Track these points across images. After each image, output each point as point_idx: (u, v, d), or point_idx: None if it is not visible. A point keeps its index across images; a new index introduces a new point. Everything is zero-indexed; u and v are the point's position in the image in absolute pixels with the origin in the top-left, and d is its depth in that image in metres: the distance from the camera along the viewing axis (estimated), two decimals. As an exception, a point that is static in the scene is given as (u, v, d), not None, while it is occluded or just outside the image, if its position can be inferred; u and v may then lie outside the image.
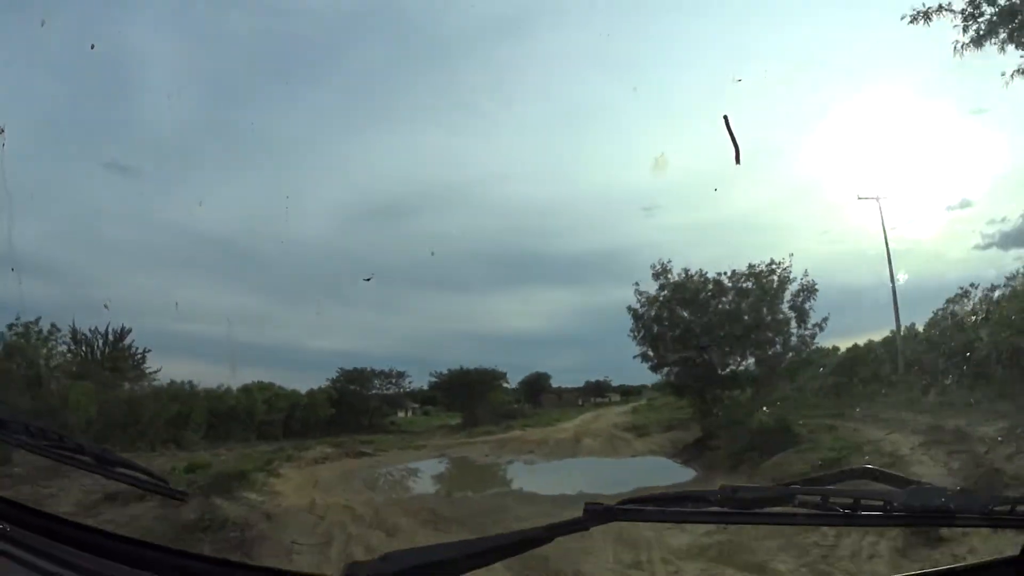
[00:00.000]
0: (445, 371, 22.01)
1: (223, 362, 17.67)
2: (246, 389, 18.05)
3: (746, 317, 15.45)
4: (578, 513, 1.33)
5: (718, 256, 20.83)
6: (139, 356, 17.08)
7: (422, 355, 21.20)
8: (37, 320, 14.17)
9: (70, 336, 15.71)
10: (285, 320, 20.49)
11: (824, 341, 20.48)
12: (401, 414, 23.81)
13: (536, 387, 24.29)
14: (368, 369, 21.56)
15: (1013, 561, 1.41)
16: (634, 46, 19.04)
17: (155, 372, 16.82)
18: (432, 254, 16.39)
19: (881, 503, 1.36)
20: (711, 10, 18.49)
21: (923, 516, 1.38)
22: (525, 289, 22.59)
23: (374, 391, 22.02)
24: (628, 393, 25.38)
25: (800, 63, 18.74)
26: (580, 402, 25.01)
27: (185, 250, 17.28)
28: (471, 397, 21.84)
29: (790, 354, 15.66)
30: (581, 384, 25.36)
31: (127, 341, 16.80)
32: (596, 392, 25.81)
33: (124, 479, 1.89)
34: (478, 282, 22.62)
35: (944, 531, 3.86)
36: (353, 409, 20.90)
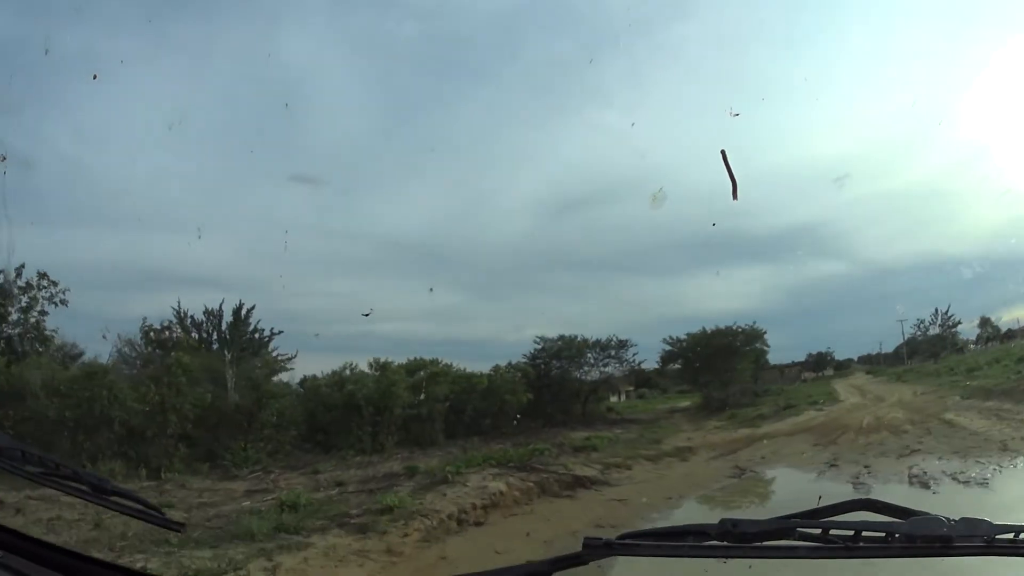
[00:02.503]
0: (683, 336, 19.79)
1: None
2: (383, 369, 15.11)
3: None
4: None
5: (903, 230, 20.51)
6: (266, 337, 16.29)
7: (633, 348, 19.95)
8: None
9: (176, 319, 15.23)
10: (481, 314, 20.27)
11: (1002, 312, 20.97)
12: (614, 398, 21.65)
13: (757, 364, 22.52)
14: (578, 338, 18.31)
15: (1016, 589, 1.40)
16: (802, 15, 18.67)
17: (289, 358, 15.91)
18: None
19: (883, 535, 1.35)
20: None
21: (925, 546, 1.37)
22: (722, 270, 23.49)
23: (586, 369, 18.75)
24: (839, 367, 25.31)
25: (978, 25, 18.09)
26: (802, 377, 24.18)
27: (376, 254, 17.06)
28: (713, 370, 19.58)
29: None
30: (799, 359, 24.53)
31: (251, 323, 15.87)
32: (817, 366, 25.09)
33: (120, 508, 1.88)
34: (673, 265, 22.48)
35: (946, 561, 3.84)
36: (559, 393, 17.93)
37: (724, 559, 1.33)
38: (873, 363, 25.53)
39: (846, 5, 18.89)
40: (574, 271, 19.95)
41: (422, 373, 15.58)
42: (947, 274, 21.89)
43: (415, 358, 15.97)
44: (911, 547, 1.37)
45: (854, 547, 1.34)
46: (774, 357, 22.32)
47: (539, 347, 18.61)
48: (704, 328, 19.75)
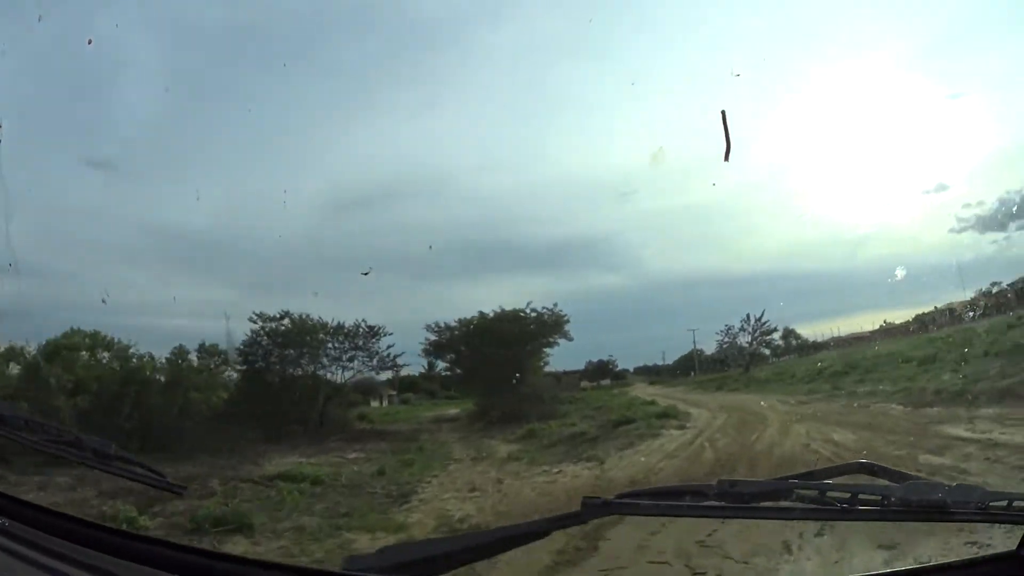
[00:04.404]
0: (453, 322, 15.83)
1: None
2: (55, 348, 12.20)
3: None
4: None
5: (691, 245, 20.94)
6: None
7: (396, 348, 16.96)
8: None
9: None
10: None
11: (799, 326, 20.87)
12: (375, 403, 19.26)
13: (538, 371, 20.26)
14: (312, 318, 14.19)
15: (1009, 556, 1.41)
16: (611, 32, 19.27)
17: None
18: (431, 248, 16.15)
19: (878, 498, 1.37)
20: None
21: (920, 510, 1.38)
22: (500, 277, 21.01)
23: (325, 362, 14.73)
24: (616, 377, 24.29)
25: (776, 45, 18.87)
26: (581, 386, 22.76)
27: (166, 246, 16.73)
28: (495, 368, 15.53)
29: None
30: (574, 368, 22.30)
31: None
32: (596, 376, 24.02)
33: (123, 473, 1.89)
34: (455, 271, 21.98)
35: (940, 526, 3.88)
36: (284, 394, 13.71)
37: (722, 519, 1.34)
38: (652, 374, 24.94)
39: (652, 24, 19.28)
40: (351, 273, 19.59)
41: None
42: (736, 289, 21.95)
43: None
44: (906, 511, 1.38)
45: (850, 510, 1.35)
46: (549, 365, 20.22)
47: (256, 328, 14.07)
48: (483, 313, 15.74)
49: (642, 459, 9.84)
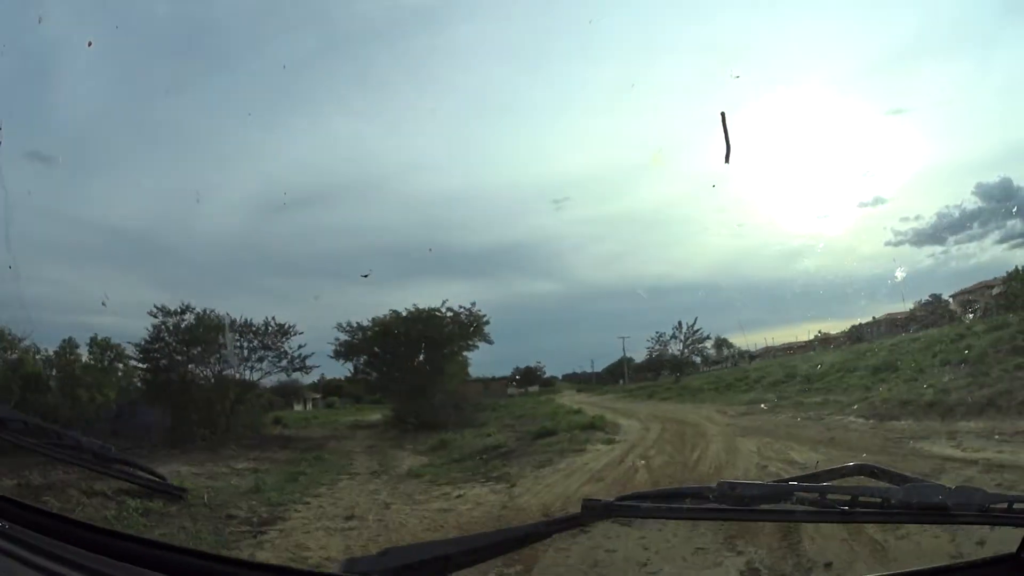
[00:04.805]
0: (367, 321, 14.75)
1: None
2: None
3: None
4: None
5: (625, 252, 20.96)
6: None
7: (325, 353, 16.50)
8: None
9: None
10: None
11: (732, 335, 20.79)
12: (299, 407, 18.58)
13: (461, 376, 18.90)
14: (219, 315, 13.30)
15: (1009, 558, 1.42)
16: (545, 38, 19.31)
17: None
18: (430, 250, 15.98)
19: (879, 500, 1.37)
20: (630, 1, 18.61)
21: (920, 512, 1.38)
22: (432, 282, 20.48)
23: (231, 364, 13.68)
24: (545, 384, 23.90)
25: (718, 57, 18.95)
26: (508, 393, 22.10)
27: (96, 243, 16.21)
28: (409, 371, 14.64)
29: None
30: (501, 375, 21.75)
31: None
32: (524, 382, 23.40)
33: (123, 476, 1.89)
34: (384, 274, 21.71)
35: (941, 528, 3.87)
36: (186, 395, 12.67)
37: (722, 521, 1.34)
38: (580, 381, 24.73)
39: (589, 35, 19.35)
40: (285, 275, 19.29)
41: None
42: (669, 298, 21.84)
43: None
44: (907, 513, 1.38)
45: (851, 512, 1.35)
46: (476, 370, 19.31)
47: (157, 322, 13.16)
48: (396, 311, 14.77)
49: (560, 482, 8.19)
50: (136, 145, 17.61)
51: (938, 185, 19.91)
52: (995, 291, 16.61)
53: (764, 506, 1.34)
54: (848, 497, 1.35)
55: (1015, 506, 1.42)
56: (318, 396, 19.61)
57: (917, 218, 19.94)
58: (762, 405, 13.79)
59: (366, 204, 20.21)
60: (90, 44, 11.79)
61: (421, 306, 14.82)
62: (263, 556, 5.92)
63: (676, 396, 18.71)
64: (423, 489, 8.35)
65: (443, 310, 14.84)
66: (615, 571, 4.41)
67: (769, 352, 21.84)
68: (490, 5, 20.01)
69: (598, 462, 9.21)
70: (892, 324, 17.98)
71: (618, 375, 23.74)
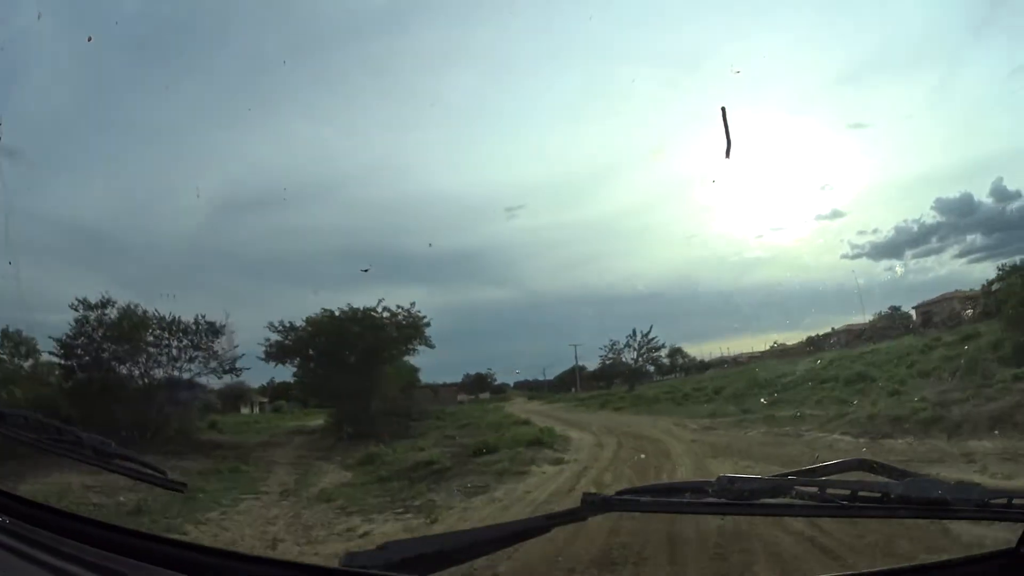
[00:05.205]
0: (301, 321, 13.80)
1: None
2: None
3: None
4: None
5: (577, 261, 20.91)
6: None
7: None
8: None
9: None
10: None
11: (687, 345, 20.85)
12: (246, 410, 17.91)
13: (407, 382, 17.99)
14: (137, 308, 12.32)
15: (1008, 553, 1.42)
16: (508, 46, 19.18)
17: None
18: (430, 245, 15.90)
19: (879, 494, 1.37)
20: (593, 7, 18.53)
21: (920, 507, 1.38)
22: (384, 287, 20.06)
23: (161, 360, 12.61)
24: (496, 391, 23.72)
25: (679, 68, 19.02)
26: (458, 399, 21.74)
27: (53, 239, 15.85)
28: (347, 375, 13.43)
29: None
30: (453, 381, 21.75)
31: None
32: (475, 389, 23.05)
33: (123, 471, 1.89)
34: (336, 279, 21.29)
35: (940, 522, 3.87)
36: (106, 396, 11.55)
37: (721, 515, 1.34)
38: (532, 389, 24.52)
39: (548, 39, 19.17)
40: (241, 276, 19.05)
41: None
42: (622, 306, 21.63)
43: None
44: (906, 508, 1.38)
45: (850, 506, 1.35)
46: (427, 376, 18.80)
47: (79, 316, 12.31)
48: (328, 310, 13.72)
49: (494, 518, 6.69)
50: (95, 141, 17.39)
51: (897, 199, 20.13)
52: (966, 306, 16.52)
53: (764, 500, 1.34)
54: (848, 491, 1.35)
55: (1014, 501, 1.42)
56: (265, 400, 18.94)
57: (875, 232, 20.07)
58: (724, 418, 12.93)
59: (324, 207, 20.16)
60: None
61: (349, 303, 13.90)
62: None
63: (631, 406, 17.92)
64: (328, 520, 7.31)
65: (379, 310, 13.93)
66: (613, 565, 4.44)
67: (725, 362, 21.69)
68: (454, 11, 20.05)
69: (543, 490, 7.97)
70: (851, 335, 18.01)
71: (570, 384, 23.47)
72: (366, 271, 14.05)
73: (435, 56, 19.01)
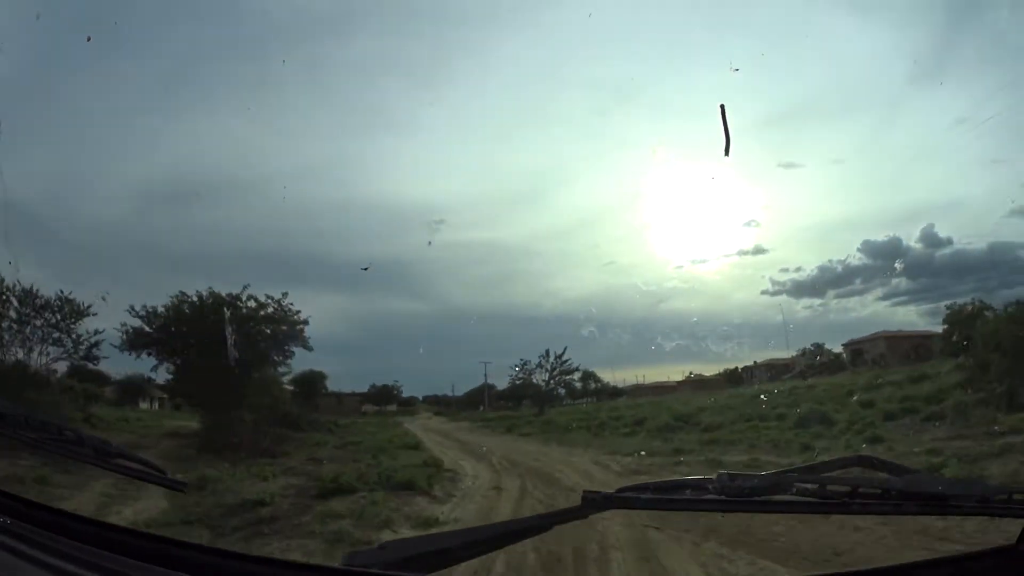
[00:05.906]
0: (160, 307, 11.73)
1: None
2: None
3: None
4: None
5: (497, 278, 20.81)
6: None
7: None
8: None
9: None
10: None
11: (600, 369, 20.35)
12: (145, 405, 16.95)
13: (311, 388, 17.26)
14: None
15: (1008, 550, 1.42)
16: (442, 61, 19.12)
17: None
18: (430, 243, 15.76)
19: (879, 491, 1.37)
20: (525, 26, 18.54)
21: (921, 503, 1.38)
22: (294, 290, 19.69)
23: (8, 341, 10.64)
24: (404, 404, 23.31)
25: (610, 97, 19.11)
26: (363, 410, 20.99)
27: None
28: (209, 375, 11.13)
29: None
30: (360, 390, 20.97)
31: None
32: (380, 400, 22.39)
33: (123, 470, 1.89)
34: (248, 278, 20.90)
35: (940, 519, 3.88)
36: None
37: (722, 513, 1.34)
38: (441, 404, 24.33)
39: (483, 55, 19.30)
40: (156, 268, 18.78)
41: None
42: (536, 328, 21.83)
43: None
44: (906, 504, 1.38)
45: (850, 503, 1.35)
46: (333, 384, 18.50)
47: None
48: (184, 293, 11.74)
49: None
50: (34, 123, 16.66)
51: (823, 239, 20.28)
52: (900, 345, 16.19)
53: (764, 497, 1.34)
54: (848, 488, 1.35)
55: (1015, 497, 1.42)
56: (165, 396, 17.20)
57: (798, 270, 20.20)
58: (656, 457, 11.04)
59: (250, 206, 20.06)
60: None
61: (211, 286, 11.87)
62: None
63: (540, 432, 16.31)
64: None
65: (244, 297, 11.90)
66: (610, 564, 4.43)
67: (639, 390, 21.43)
68: (394, 21, 19.97)
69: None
70: (774, 369, 17.97)
71: (478, 401, 23.16)
72: (366, 269, 13.96)
73: (372, 65, 19.09)
